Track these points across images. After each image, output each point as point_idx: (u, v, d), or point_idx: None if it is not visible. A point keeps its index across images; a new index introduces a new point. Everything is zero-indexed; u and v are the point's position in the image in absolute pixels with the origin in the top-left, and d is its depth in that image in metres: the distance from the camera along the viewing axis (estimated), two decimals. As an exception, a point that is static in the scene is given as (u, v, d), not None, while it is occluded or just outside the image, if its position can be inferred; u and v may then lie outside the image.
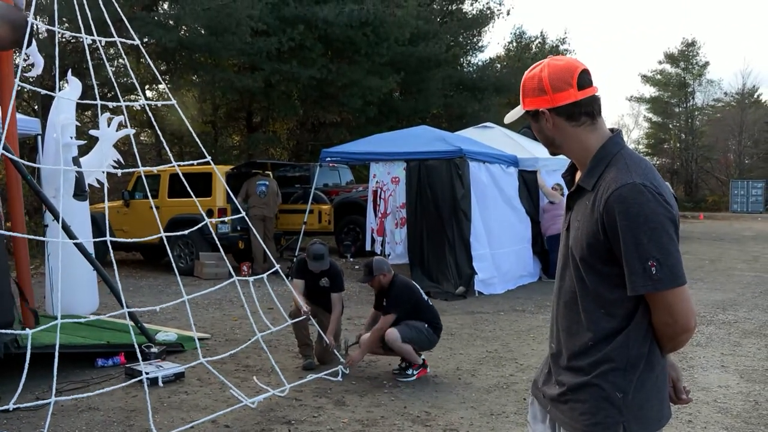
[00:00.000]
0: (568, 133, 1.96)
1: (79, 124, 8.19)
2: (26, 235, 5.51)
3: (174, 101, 5.80)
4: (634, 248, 1.76)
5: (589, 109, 1.93)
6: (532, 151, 12.27)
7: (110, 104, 6.14)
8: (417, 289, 5.84)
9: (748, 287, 11.00)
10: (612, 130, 1.98)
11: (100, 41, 5.52)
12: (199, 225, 6.00)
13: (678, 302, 1.81)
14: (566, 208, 2.05)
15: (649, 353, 1.89)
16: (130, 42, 5.76)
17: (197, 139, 6.18)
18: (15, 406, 4.18)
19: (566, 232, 2.00)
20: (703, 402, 5.16)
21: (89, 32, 5.42)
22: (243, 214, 6.43)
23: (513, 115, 2.10)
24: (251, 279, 5.58)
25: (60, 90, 7.59)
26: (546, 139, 2.01)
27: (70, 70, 7.83)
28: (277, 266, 5.99)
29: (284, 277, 6.04)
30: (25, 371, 4.07)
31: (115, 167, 7.61)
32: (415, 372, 5.76)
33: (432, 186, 10.19)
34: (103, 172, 5.69)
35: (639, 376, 1.87)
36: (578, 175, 2.03)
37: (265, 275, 5.75)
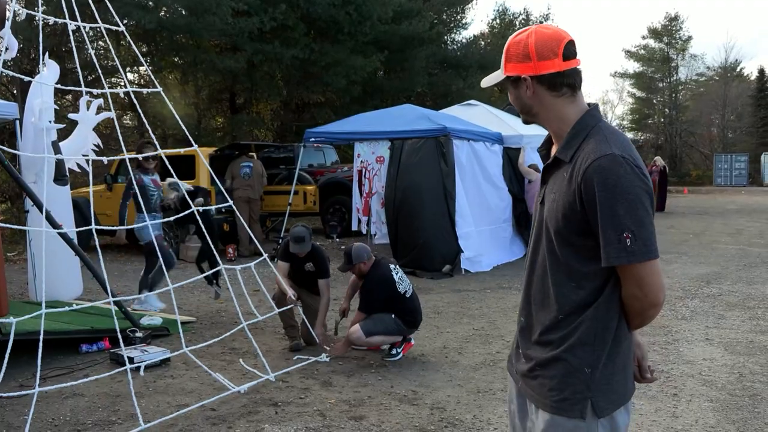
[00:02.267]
0: (547, 102, 1.93)
1: (57, 108, 8.06)
2: (2, 224, 5.42)
3: (160, 89, 5.71)
4: (610, 219, 1.75)
5: (571, 80, 1.92)
6: (516, 128, 12.23)
7: (95, 91, 6.04)
8: (390, 283, 5.61)
9: (732, 260, 11.08)
10: (589, 104, 1.96)
11: (84, 26, 5.41)
12: (185, 213, 5.95)
13: (649, 276, 1.80)
14: (541, 181, 2.03)
15: (618, 328, 1.89)
16: (114, 28, 5.66)
17: (181, 124, 6.11)
18: (-1, 395, 4.14)
19: (540, 206, 1.99)
20: (688, 375, 5.20)
21: (70, 13, 5.31)
22: (227, 195, 6.39)
23: (491, 79, 2.06)
24: (239, 268, 5.54)
25: (38, 74, 7.47)
26: (523, 106, 1.99)
27: (47, 54, 7.70)
28: (265, 255, 5.96)
29: (269, 261, 6.02)
30: (6, 359, 4.03)
31: (95, 152, 7.52)
32: (399, 350, 5.76)
33: (416, 164, 10.13)
34: (87, 159, 5.60)
35: (608, 352, 1.88)
36: (554, 148, 2.01)
37: (252, 264, 5.71)
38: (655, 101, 53.70)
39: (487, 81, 2.08)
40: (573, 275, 1.87)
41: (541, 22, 40.40)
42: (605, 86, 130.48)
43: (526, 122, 2.07)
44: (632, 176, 1.76)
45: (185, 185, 7.67)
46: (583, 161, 1.81)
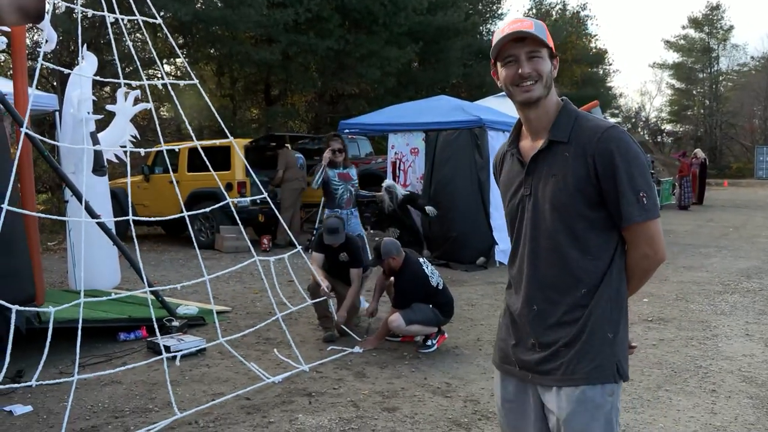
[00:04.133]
0: (552, 84, 2.06)
1: (96, 99, 8.18)
2: (38, 214, 5.52)
3: (197, 81, 5.77)
4: (629, 182, 1.90)
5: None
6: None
7: (133, 82, 6.12)
8: (424, 279, 5.66)
9: (774, 255, 10.85)
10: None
11: (122, 19, 5.48)
12: (221, 203, 6.01)
13: (658, 233, 1.98)
14: (525, 174, 2.06)
15: (625, 294, 2.04)
16: (152, 20, 5.72)
17: (217, 115, 6.16)
18: (38, 383, 4.21)
19: (529, 198, 2.04)
20: (727, 371, 5.10)
21: (108, 5, 5.37)
22: (261, 187, 6.44)
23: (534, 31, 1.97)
24: (272, 259, 5.58)
25: (76, 65, 7.58)
26: (547, 81, 2.03)
27: (85, 46, 7.81)
28: (299, 247, 5.99)
29: (303, 253, 6.04)
30: (47, 348, 4.10)
31: (133, 143, 7.62)
32: (434, 341, 5.76)
33: (451, 156, 10.09)
34: (124, 150, 5.67)
35: (623, 316, 2.02)
36: (524, 142, 2.11)
37: (286, 255, 5.75)
38: (694, 92, 52.71)
39: (532, 31, 1.98)
40: (590, 249, 1.98)
41: (577, 12, 39.93)
42: (644, 77, 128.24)
43: (527, 103, 2.04)
44: (635, 145, 1.95)
45: (401, 190, 7.83)
46: (591, 136, 1.95)
